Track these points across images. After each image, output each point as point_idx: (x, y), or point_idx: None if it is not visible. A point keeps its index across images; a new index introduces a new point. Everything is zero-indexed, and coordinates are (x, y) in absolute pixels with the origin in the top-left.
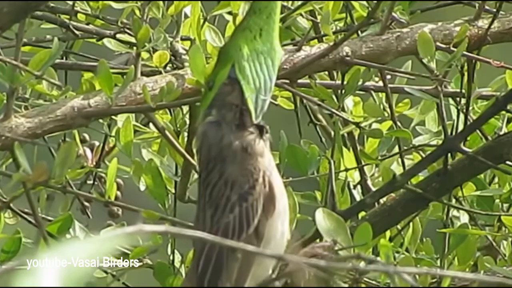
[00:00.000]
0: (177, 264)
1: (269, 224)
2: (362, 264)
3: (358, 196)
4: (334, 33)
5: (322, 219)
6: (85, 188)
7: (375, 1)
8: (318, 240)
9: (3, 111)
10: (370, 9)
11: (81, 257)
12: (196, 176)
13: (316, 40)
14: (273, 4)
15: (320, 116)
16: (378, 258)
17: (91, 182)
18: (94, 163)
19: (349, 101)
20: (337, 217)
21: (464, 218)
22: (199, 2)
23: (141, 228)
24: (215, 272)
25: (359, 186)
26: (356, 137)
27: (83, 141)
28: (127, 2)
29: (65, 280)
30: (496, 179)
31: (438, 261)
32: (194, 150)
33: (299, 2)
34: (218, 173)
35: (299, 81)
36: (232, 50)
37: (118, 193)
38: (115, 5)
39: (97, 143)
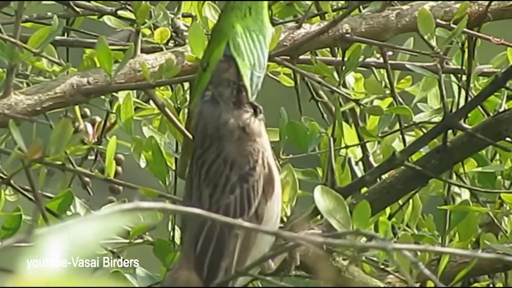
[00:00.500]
0: (177, 240)
1: (268, 206)
2: (359, 241)
3: (359, 173)
4: (335, 10)
5: (320, 197)
6: (87, 163)
7: None
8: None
9: (3, 88)
10: None
11: (86, 236)
12: None
13: (318, 17)
14: None
15: (321, 93)
16: (378, 234)
17: (93, 157)
18: (96, 138)
19: (350, 77)
20: (336, 195)
21: (465, 194)
22: None
23: (138, 205)
24: (217, 253)
25: (361, 163)
26: (358, 114)
27: (84, 116)
28: None
29: (71, 259)
30: (498, 155)
31: (440, 238)
32: (192, 129)
33: None
34: (216, 151)
35: (300, 57)
36: (225, 28)
37: (119, 168)
38: None
39: (98, 118)
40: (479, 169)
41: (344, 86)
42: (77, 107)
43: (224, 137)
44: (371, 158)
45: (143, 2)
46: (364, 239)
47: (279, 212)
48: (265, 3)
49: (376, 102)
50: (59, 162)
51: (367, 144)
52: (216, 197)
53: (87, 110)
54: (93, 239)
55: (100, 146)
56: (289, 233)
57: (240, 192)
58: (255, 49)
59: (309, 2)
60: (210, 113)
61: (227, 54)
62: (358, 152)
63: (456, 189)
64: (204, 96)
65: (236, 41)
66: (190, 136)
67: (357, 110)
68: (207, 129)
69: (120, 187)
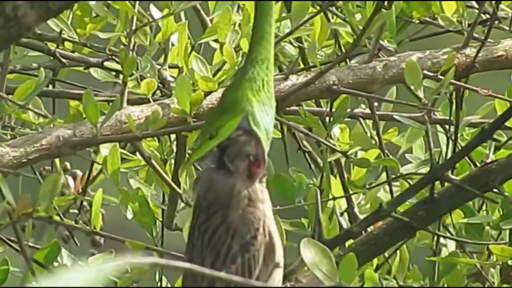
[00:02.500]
0: None
1: (269, 273)
2: None
3: (345, 223)
4: (322, 64)
5: (307, 249)
6: (68, 216)
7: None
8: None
9: None
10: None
11: (75, 284)
12: (183, 204)
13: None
14: (271, 55)
15: (306, 143)
16: None
17: (75, 210)
18: (80, 190)
19: (336, 128)
20: (322, 247)
21: (451, 245)
22: (186, 29)
23: (129, 260)
24: None
25: (346, 214)
26: (343, 164)
27: (64, 169)
28: (114, 31)
29: None
30: (485, 206)
31: None
32: (194, 193)
33: (287, 30)
34: (220, 218)
35: (288, 108)
36: (242, 101)
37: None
38: (101, 35)
39: (79, 172)
40: (466, 220)
41: (330, 137)
42: (57, 161)
43: (231, 205)
44: (356, 209)
45: (130, 55)
46: None
47: (281, 278)
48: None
49: (361, 153)
50: (46, 215)
51: (352, 196)
52: (218, 266)
53: (67, 164)
54: (84, 284)
55: (87, 198)
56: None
57: (242, 262)
58: (268, 124)
59: (295, 53)
60: (223, 183)
61: (245, 127)
62: (343, 203)
63: (442, 240)
64: (212, 164)
65: (255, 116)
66: (176, 188)
67: (342, 161)
68: (219, 197)
69: (102, 240)
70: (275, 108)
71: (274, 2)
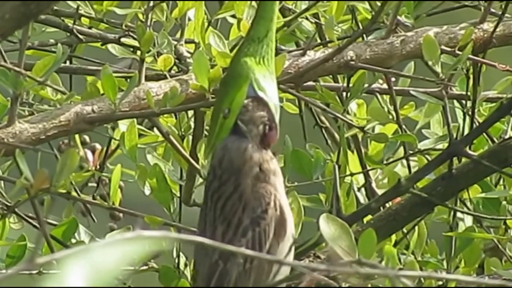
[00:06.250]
0: (182, 267)
1: (280, 248)
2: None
3: (362, 199)
4: (340, 39)
5: (326, 225)
6: (87, 190)
7: (380, 3)
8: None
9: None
10: (373, 13)
11: (108, 262)
12: (201, 180)
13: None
14: (271, 33)
15: (323, 119)
16: (381, 264)
17: (93, 184)
18: (98, 165)
19: (352, 104)
20: (342, 223)
21: (468, 220)
22: (203, 4)
23: (140, 234)
24: None
25: (363, 189)
26: (360, 140)
27: (83, 143)
28: (130, 7)
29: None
30: (502, 181)
31: (445, 263)
32: (209, 163)
33: (303, 6)
34: (233, 185)
35: (305, 83)
36: (244, 72)
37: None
38: (119, 11)
39: (98, 146)
40: (483, 195)
41: (347, 112)
42: (77, 135)
43: (243, 171)
44: (373, 185)
45: (147, 31)
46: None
47: (292, 252)
48: (273, 53)
49: (378, 128)
50: (64, 191)
51: (369, 171)
52: (229, 237)
53: (86, 137)
54: (114, 265)
55: (104, 174)
56: (291, 261)
57: (252, 236)
58: (273, 95)
59: (312, 29)
60: (236, 147)
61: (252, 94)
62: (360, 178)
63: (459, 215)
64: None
65: (259, 82)
66: (194, 163)
67: (360, 136)
68: (233, 162)
69: (121, 214)
70: (276, 84)
71: None
